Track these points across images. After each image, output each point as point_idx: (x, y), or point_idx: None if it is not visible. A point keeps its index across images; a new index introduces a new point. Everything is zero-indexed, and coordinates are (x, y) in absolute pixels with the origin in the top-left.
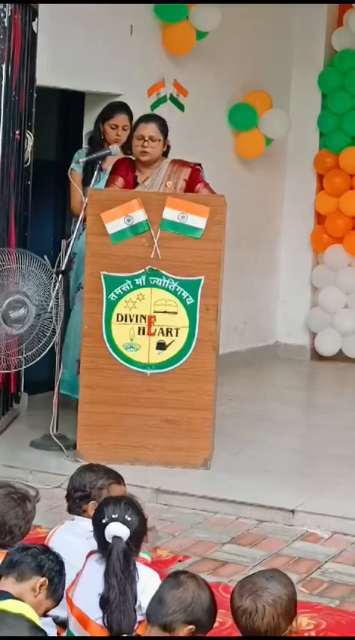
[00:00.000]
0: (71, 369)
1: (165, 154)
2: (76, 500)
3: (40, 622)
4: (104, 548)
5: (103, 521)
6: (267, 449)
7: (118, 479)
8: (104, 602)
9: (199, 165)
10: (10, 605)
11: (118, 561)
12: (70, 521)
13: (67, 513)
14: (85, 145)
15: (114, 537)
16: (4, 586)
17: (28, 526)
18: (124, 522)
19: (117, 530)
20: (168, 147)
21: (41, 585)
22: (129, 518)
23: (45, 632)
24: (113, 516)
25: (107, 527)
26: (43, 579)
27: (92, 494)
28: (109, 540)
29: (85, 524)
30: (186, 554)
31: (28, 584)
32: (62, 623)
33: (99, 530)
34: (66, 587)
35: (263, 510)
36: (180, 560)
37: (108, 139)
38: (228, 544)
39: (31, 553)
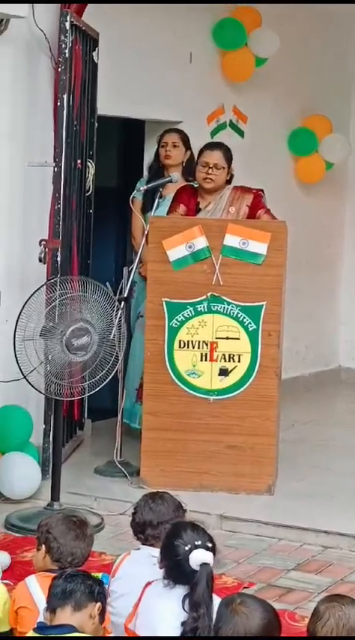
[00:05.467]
0: (131, 398)
1: (228, 182)
2: (145, 534)
3: None
4: (182, 575)
5: (186, 548)
6: (331, 474)
7: (183, 510)
8: (191, 631)
9: (261, 191)
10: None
11: (208, 588)
12: (135, 551)
13: (132, 540)
14: (145, 172)
15: (203, 564)
16: (62, 617)
17: (88, 549)
18: (207, 548)
19: (204, 556)
20: (232, 175)
21: (98, 610)
22: (209, 544)
23: None
24: (196, 543)
25: (192, 554)
26: (98, 604)
27: (159, 527)
28: (195, 567)
29: (151, 553)
30: (251, 581)
31: (86, 612)
32: None
33: (177, 557)
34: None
35: (328, 537)
36: (245, 587)
37: (160, 159)
38: (293, 571)
39: (81, 580)
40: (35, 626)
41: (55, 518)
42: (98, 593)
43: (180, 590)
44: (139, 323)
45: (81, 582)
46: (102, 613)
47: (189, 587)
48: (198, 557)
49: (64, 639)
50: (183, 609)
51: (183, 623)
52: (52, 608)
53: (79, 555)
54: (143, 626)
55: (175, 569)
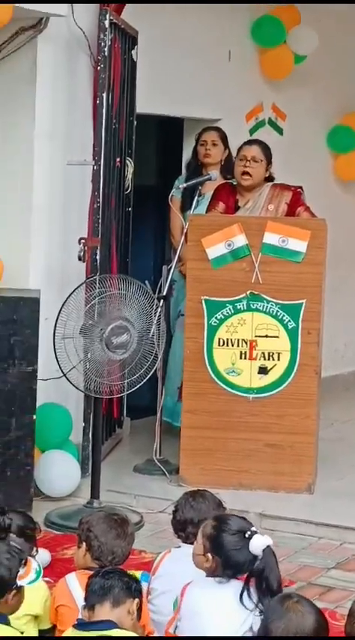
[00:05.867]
0: (172, 396)
1: (268, 180)
2: (186, 532)
3: None
4: (238, 567)
5: (246, 536)
6: None
7: (223, 507)
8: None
9: (300, 188)
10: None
11: (278, 569)
12: (176, 549)
13: (172, 538)
14: (183, 170)
15: (266, 548)
16: (100, 613)
17: (128, 548)
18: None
19: (265, 540)
20: (272, 177)
21: (136, 606)
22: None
23: None
24: (252, 529)
25: (252, 541)
26: (137, 600)
27: (200, 525)
28: (257, 553)
29: (191, 552)
30: (291, 580)
31: (124, 608)
32: None
33: (233, 549)
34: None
35: None
36: (286, 586)
37: (199, 158)
38: (333, 569)
39: (118, 577)
40: (75, 622)
41: (96, 516)
42: (135, 589)
43: (232, 587)
44: (180, 321)
45: (118, 579)
46: (140, 609)
47: (249, 577)
48: (260, 542)
49: (103, 639)
50: (241, 603)
51: (261, 611)
52: (90, 605)
53: (120, 554)
54: (190, 629)
55: (231, 562)
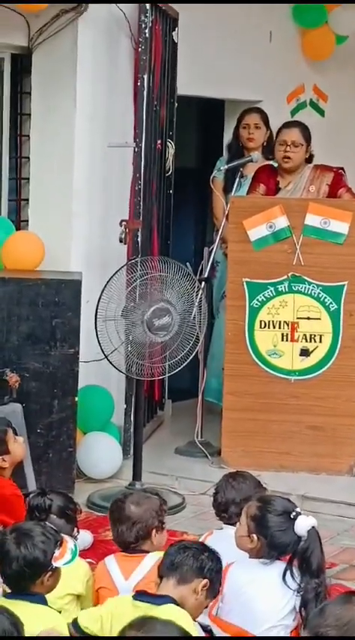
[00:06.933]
0: (218, 377)
1: (308, 161)
2: (229, 513)
3: (196, 628)
4: (282, 547)
5: (291, 516)
6: None
7: (264, 488)
8: (315, 598)
9: (342, 169)
10: (165, 612)
11: (323, 551)
12: (218, 530)
13: (214, 520)
14: (224, 152)
15: (311, 529)
16: (165, 588)
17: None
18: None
19: (310, 521)
20: (312, 155)
21: (203, 587)
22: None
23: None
24: (296, 510)
25: (297, 521)
26: (205, 581)
27: (243, 504)
28: (302, 534)
29: (233, 533)
30: (333, 562)
31: (190, 587)
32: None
33: (279, 530)
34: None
35: None
36: (328, 568)
37: (242, 141)
38: None
39: (192, 554)
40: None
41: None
42: (209, 569)
43: (276, 567)
44: (224, 303)
45: (192, 556)
46: (212, 589)
47: (293, 557)
48: (305, 523)
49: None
50: (285, 584)
51: (304, 591)
52: (159, 576)
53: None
54: (233, 611)
55: (276, 543)
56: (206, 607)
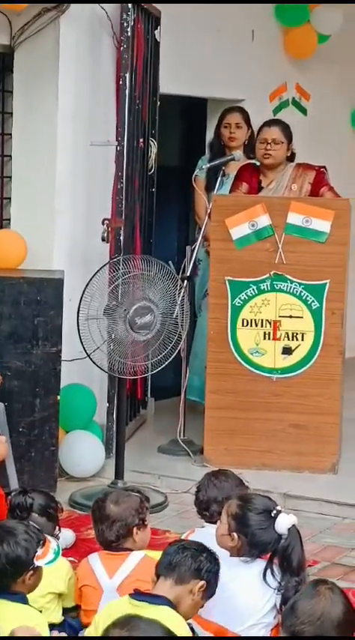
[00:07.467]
0: (200, 376)
1: (290, 159)
2: (210, 511)
3: (186, 628)
4: (263, 545)
5: (272, 513)
6: None
7: (246, 486)
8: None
9: (324, 167)
10: (160, 613)
11: (303, 549)
12: (199, 529)
13: (196, 518)
14: (206, 151)
15: (291, 527)
16: (161, 587)
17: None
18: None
19: (291, 519)
20: (294, 153)
21: (200, 588)
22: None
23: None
24: (277, 508)
25: (278, 519)
26: (202, 582)
27: (224, 503)
28: (282, 532)
29: (214, 532)
30: (315, 559)
31: (187, 587)
32: None
33: (259, 528)
34: None
35: None
36: (310, 566)
37: (224, 140)
38: None
39: (191, 555)
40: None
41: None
42: (207, 570)
43: (257, 565)
44: (206, 301)
45: (190, 556)
46: (208, 590)
47: (274, 555)
48: (286, 521)
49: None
50: (265, 582)
51: (284, 589)
52: (157, 574)
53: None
54: (215, 609)
55: (257, 541)
56: (202, 607)
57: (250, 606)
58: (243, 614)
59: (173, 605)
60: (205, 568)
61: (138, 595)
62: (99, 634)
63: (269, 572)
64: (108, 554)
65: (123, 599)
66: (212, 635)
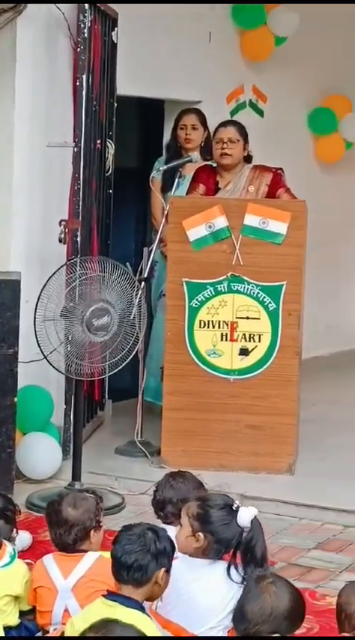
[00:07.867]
0: (156, 377)
1: (246, 161)
2: (165, 512)
3: (156, 633)
4: (227, 542)
5: (233, 507)
6: (352, 454)
7: (204, 488)
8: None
9: (281, 170)
10: (131, 616)
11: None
12: None
13: (153, 520)
14: (163, 152)
15: (253, 520)
16: (127, 592)
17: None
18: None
19: (252, 511)
20: (250, 155)
21: (162, 575)
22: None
23: None
24: (236, 503)
25: (239, 513)
26: (162, 571)
27: (180, 505)
28: (245, 525)
29: (170, 532)
30: (272, 560)
31: (151, 582)
32: None
33: (222, 524)
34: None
35: (349, 516)
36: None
37: (180, 142)
38: (313, 550)
39: (140, 550)
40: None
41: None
42: (160, 552)
43: (221, 565)
44: (162, 302)
45: (140, 551)
46: (170, 568)
47: (236, 550)
48: (248, 514)
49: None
50: (230, 578)
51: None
52: (116, 579)
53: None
54: (175, 610)
55: (222, 537)
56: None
57: (211, 608)
58: (204, 616)
59: (142, 607)
60: (158, 552)
61: (110, 595)
62: (77, 634)
63: (233, 567)
64: (62, 555)
65: (97, 601)
66: (171, 634)
